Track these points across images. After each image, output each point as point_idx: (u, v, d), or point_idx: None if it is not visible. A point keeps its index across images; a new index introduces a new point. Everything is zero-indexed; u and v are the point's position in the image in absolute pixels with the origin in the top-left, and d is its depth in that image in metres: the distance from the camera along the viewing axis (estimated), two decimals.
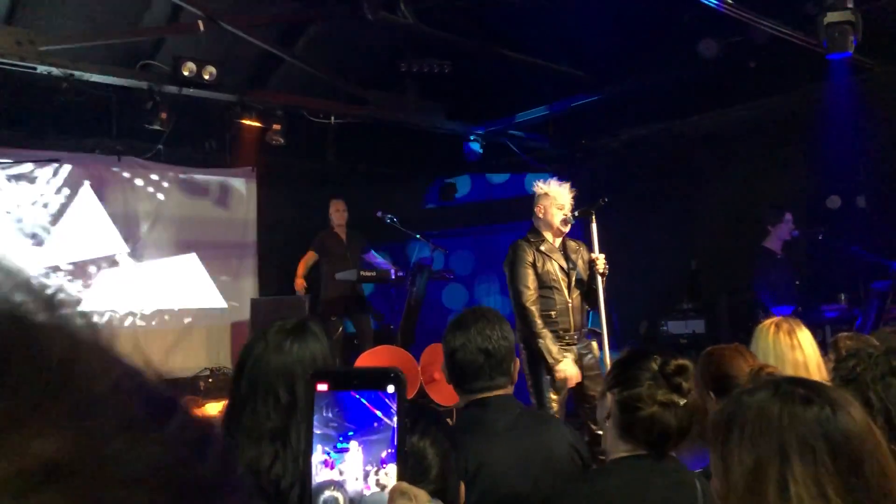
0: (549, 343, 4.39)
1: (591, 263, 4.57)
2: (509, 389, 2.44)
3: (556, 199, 4.61)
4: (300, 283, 7.33)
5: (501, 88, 7.92)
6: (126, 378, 0.26)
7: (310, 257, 7.39)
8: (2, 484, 0.21)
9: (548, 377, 4.42)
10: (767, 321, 2.86)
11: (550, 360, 4.38)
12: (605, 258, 4.59)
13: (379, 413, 0.79)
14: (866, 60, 5.89)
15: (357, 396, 0.79)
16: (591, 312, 4.95)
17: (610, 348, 4.63)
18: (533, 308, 4.44)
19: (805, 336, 2.75)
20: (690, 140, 8.13)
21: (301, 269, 7.37)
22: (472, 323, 2.40)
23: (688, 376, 1.99)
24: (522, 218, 5.23)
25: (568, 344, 4.52)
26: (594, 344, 4.70)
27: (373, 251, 7.51)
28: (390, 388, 0.79)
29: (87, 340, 0.25)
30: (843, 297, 6.50)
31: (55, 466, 0.21)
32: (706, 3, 5.27)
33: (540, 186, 4.75)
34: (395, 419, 0.78)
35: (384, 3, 6.31)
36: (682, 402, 1.95)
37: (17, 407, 0.22)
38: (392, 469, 0.79)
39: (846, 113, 6.25)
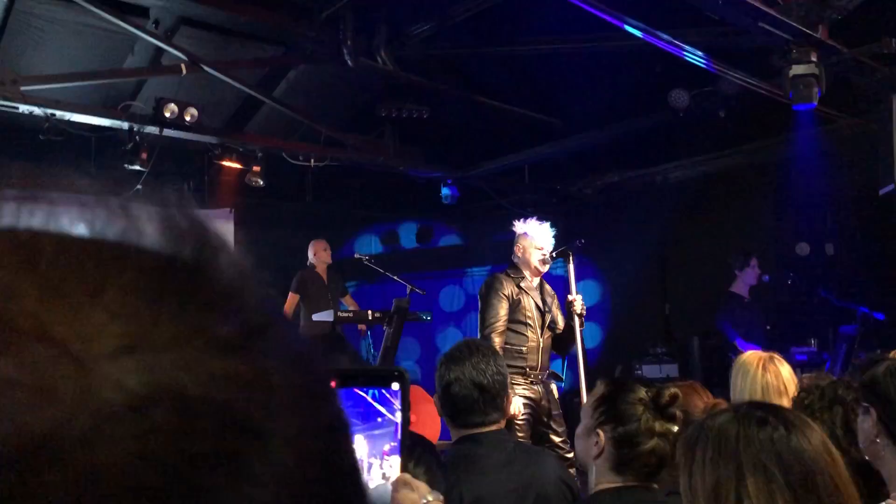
0: None
1: (569, 305, 4.63)
2: (502, 424, 2.45)
3: (535, 239, 4.68)
4: None
5: (478, 134, 8.07)
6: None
7: (292, 301, 7.30)
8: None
9: (520, 410, 4.44)
10: (751, 357, 2.90)
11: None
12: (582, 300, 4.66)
13: (383, 409, 0.84)
14: (830, 112, 6.10)
15: (361, 393, 0.85)
16: (560, 357, 5.01)
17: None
18: (497, 339, 4.42)
19: (789, 377, 2.83)
20: (662, 187, 8.31)
21: (287, 313, 7.27)
22: (466, 357, 2.39)
23: (680, 404, 2.00)
24: (498, 262, 5.30)
25: (533, 383, 4.56)
26: (553, 386, 4.76)
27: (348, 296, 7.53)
28: (395, 386, 0.84)
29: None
30: (812, 341, 6.62)
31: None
32: (689, 60, 5.45)
33: (519, 226, 4.81)
34: (398, 414, 0.84)
35: (364, 49, 6.44)
36: (676, 429, 1.95)
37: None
38: (395, 461, 0.84)
39: (813, 162, 6.45)
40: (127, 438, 0.25)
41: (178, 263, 0.30)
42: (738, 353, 5.67)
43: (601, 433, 2.00)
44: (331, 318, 6.69)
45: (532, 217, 4.89)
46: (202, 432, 0.26)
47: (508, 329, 4.56)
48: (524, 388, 4.50)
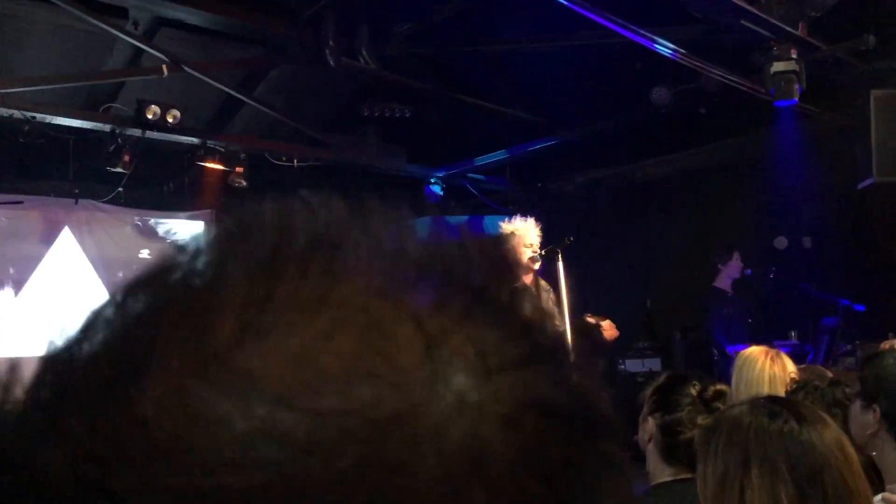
0: None
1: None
2: None
3: (522, 238, 4.69)
4: None
5: (461, 132, 8.09)
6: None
7: None
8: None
9: None
10: (755, 351, 2.94)
11: None
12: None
13: None
14: (810, 108, 6.18)
15: None
16: None
17: None
18: None
19: (790, 363, 2.87)
20: (643, 183, 8.38)
21: None
22: None
23: (725, 400, 2.10)
24: None
25: None
26: None
27: None
28: None
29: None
30: (794, 334, 6.71)
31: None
32: (659, 51, 5.51)
33: (505, 227, 4.83)
34: None
35: (346, 49, 6.42)
36: None
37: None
38: None
39: (792, 157, 6.53)
40: (517, 442, 0.28)
41: (501, 292, 0.33)
42: (724, 354, 5.75)
43: (651, 420, 2.12)
44: None
45: (516, 215, 4.90)
46: (574, 433, 0.30)
47: None
48: None
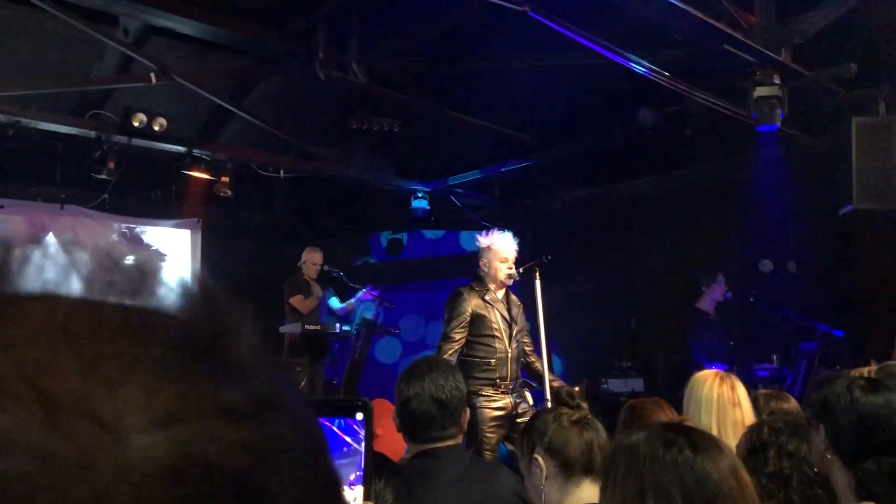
0: None
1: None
2: (459, 439, 2.49)
3: (498, 252, 4.71)
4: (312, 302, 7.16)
5: (449, 148, 8.12)
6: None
7: (299, 301, 7.12)
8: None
9: (489, 424, 4.49)
10: (707, 372, 2.97)
11: None
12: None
13: (348, 439, 0.86)
14: (792, 132, 6.23)
15: (327, 423, 0.87)
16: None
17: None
18: (449, 350, 4.53)
19: (743, 393, 2.88)
20: (629, 203, 8.42)
21: (304, 309, 7.15)
22: (426, 373, 2.44)
23: (580, 396, 2.14)
24: (467, 275, 5.34)
25: (503, 392, 4.60)
26: (527, 393, 4.82)
27: (333, 299, 7.49)
28: (359, 416, 0.86)
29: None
30: (774, 358, 6.74)
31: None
32: (645, 74, 5.55)
33: (482, 240, 4.84)
34: (363, 444, 0.86)
35: (336, 62, 6.45)
36: (587, 412, 2.11)
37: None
38: (360, 491, 0.86)
39: (775, 180, 6.57)
40: None
41: (200, 336, 0.32)
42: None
43: (536, 457, 2.07)
44: (297, 331, 6.67)
45: (494, 229, 4.92)
46: (224, 498, 0.29)
47: (476, 342, 4.60)
48: (496, 399, 4.54)
